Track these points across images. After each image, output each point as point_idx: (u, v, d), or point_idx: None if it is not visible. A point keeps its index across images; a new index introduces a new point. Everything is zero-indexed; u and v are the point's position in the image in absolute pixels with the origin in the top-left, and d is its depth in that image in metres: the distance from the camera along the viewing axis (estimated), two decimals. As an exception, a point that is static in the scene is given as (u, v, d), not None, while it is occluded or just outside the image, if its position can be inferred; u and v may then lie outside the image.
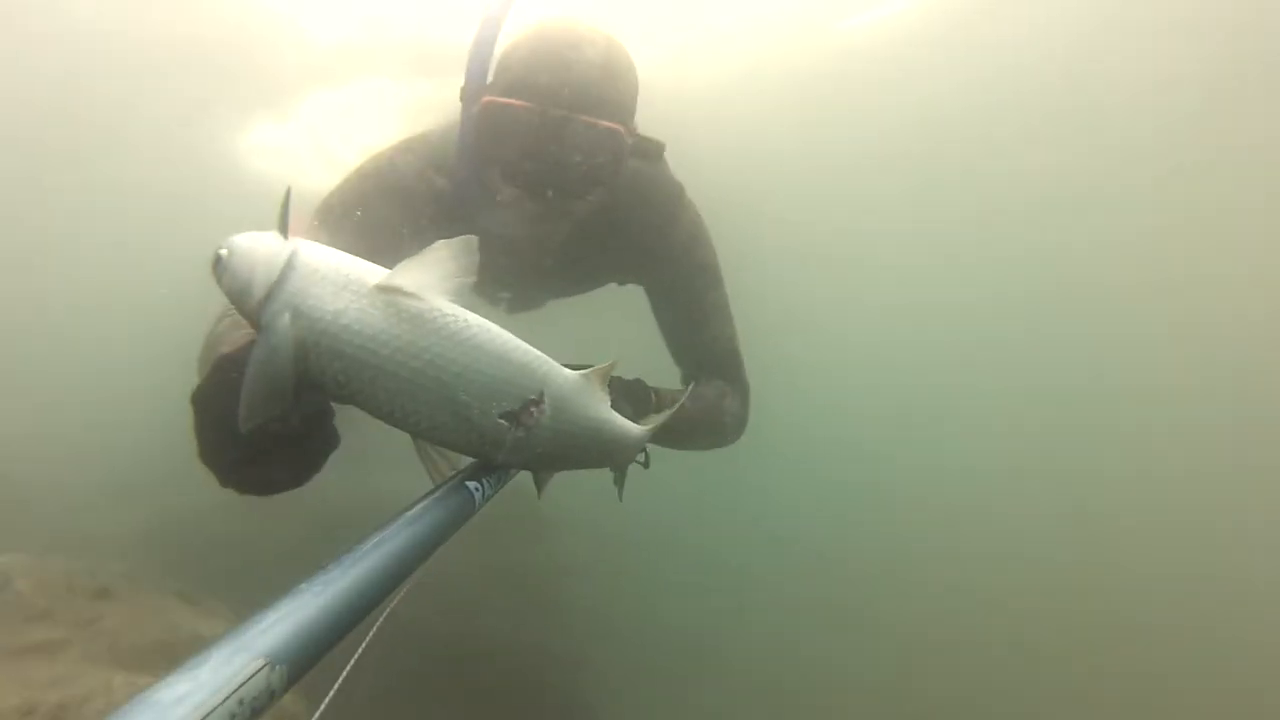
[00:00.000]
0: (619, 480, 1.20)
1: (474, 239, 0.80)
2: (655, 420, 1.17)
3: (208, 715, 0.40)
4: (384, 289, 0.76)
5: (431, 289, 0.78)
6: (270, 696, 0.46)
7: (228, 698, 0.42)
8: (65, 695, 1.64)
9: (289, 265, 0.75)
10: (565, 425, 0.87)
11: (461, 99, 1.37)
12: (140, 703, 0.39)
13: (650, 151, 1.41)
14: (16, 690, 1.67)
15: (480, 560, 3.78)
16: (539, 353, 0.85)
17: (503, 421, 0.80)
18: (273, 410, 0.73)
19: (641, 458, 1.20)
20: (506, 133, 1.30)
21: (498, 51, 1.38)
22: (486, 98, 1.32)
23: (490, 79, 1.36)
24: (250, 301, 0.75)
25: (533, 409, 0.82)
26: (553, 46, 1.31)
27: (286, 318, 0.73)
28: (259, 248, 0.77)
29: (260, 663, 0.45)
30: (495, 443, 0.82)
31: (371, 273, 0.78)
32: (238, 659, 0.45)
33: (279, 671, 0.47)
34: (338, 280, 0.76)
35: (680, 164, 1.65)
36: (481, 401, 0.79)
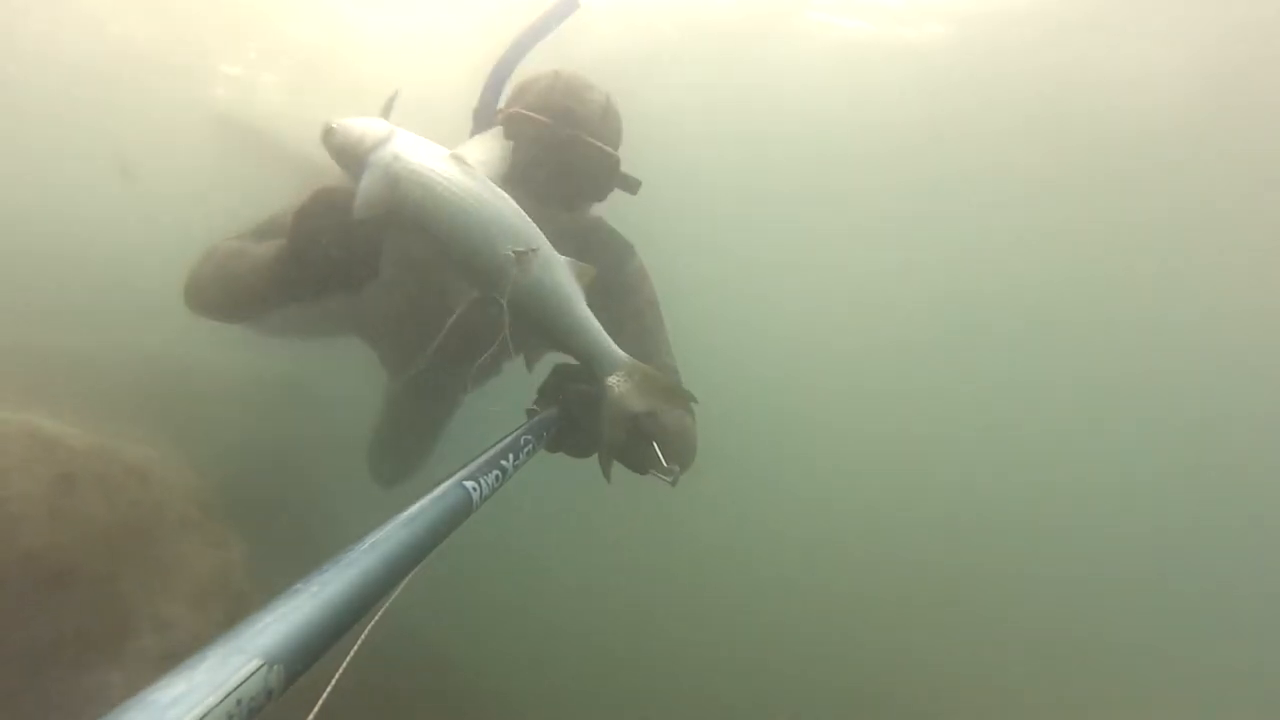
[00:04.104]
0: (606, 457, 1.25)
1: (510, 143, 1.22)
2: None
3: (204, 716, 0.40)
4: (454, 157, 1.16)
5: (482, 164, 1.18)
6: (267, 697, 0.46)
7: (224, 698, 0.42)
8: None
9: (393, 133, 1.15)
10: (549, 283, 1.20)
11: (475, 118, 1.62)
12: (136, 704, 0.39)
13: (630, 185, 1.65)
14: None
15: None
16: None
17: (510, 254, 1.14)
18: (377, 208, 1.09)
19: (670, 478, 1.27)
20: (525, 141, 1.50)
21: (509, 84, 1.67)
22: (513, 108, 1.56)
23: (502, 104, 1.62)
24: (360, 150, 1.13)
25: (530, 254, 1.16)
26: (567, 83, 1.59)
27: (391, 158, 1.12)
28: (364, 123, 1.17)
29: (257, 663, 0.45)
30: (501, 271, 1.15)
31: (442, 150, 1.17)
32: (234, 659, 0.45)
33: (276, 671, 0.47)
34: (425, 146, 1.17)
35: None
36: (501, 235, 1.15)
